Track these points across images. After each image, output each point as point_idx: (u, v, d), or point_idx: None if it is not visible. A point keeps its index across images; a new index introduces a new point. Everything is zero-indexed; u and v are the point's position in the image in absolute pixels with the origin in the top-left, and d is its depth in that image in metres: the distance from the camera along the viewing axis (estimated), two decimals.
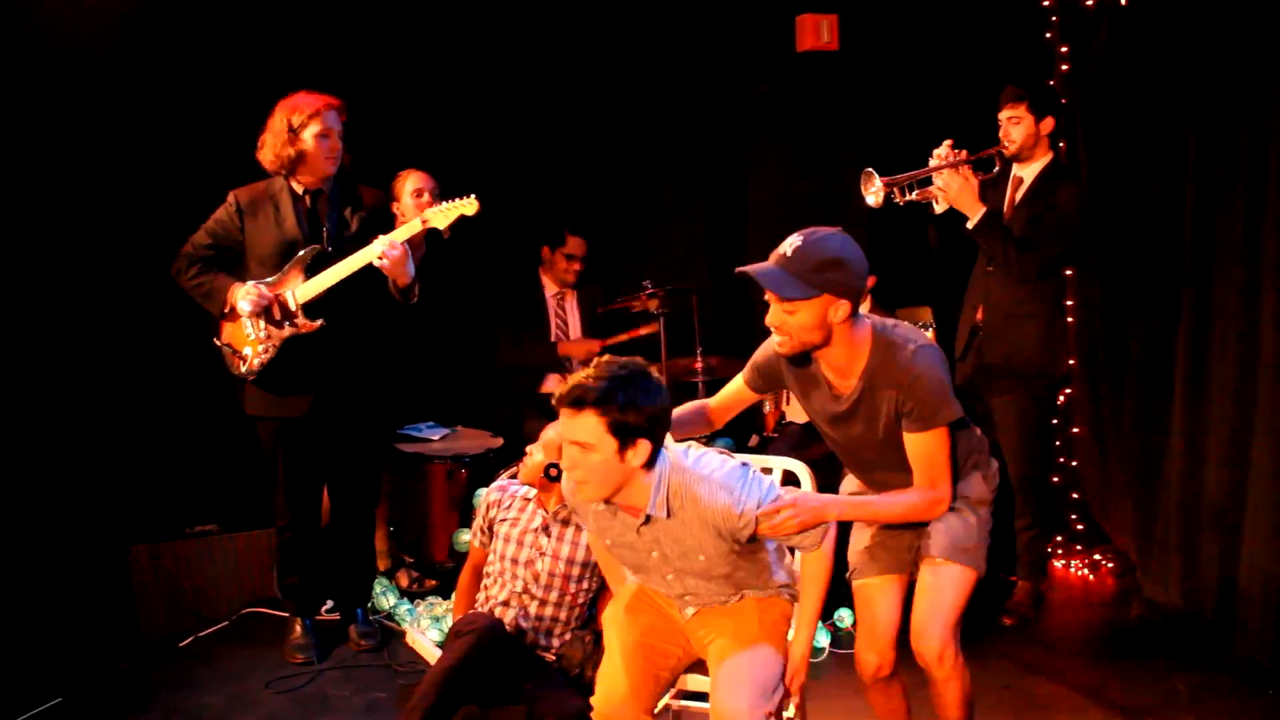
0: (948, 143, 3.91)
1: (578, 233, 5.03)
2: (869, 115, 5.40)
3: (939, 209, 3.94)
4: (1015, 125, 3.94)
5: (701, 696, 3.10)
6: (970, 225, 3.89)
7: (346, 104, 3.76)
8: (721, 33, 5.42)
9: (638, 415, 2.40)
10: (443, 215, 3.73)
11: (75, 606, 4.18)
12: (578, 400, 2.40)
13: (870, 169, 3.79)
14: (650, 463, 2.47)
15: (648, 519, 2.54)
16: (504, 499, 3.53)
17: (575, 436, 2.42)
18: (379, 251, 3.62)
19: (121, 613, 4.24)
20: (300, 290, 3.68)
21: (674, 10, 5.36)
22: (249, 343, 3.72)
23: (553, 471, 3.38)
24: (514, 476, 3.68)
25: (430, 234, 4.05)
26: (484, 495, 3.63)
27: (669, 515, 2.52)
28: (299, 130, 3.65)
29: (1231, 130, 3.76)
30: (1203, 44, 3.85)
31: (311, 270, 3.69)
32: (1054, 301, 4.12)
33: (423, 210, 3.88)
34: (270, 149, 3.70)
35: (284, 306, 3.69)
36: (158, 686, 3.80)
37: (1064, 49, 4.44)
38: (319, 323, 3.70)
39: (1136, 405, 4.29)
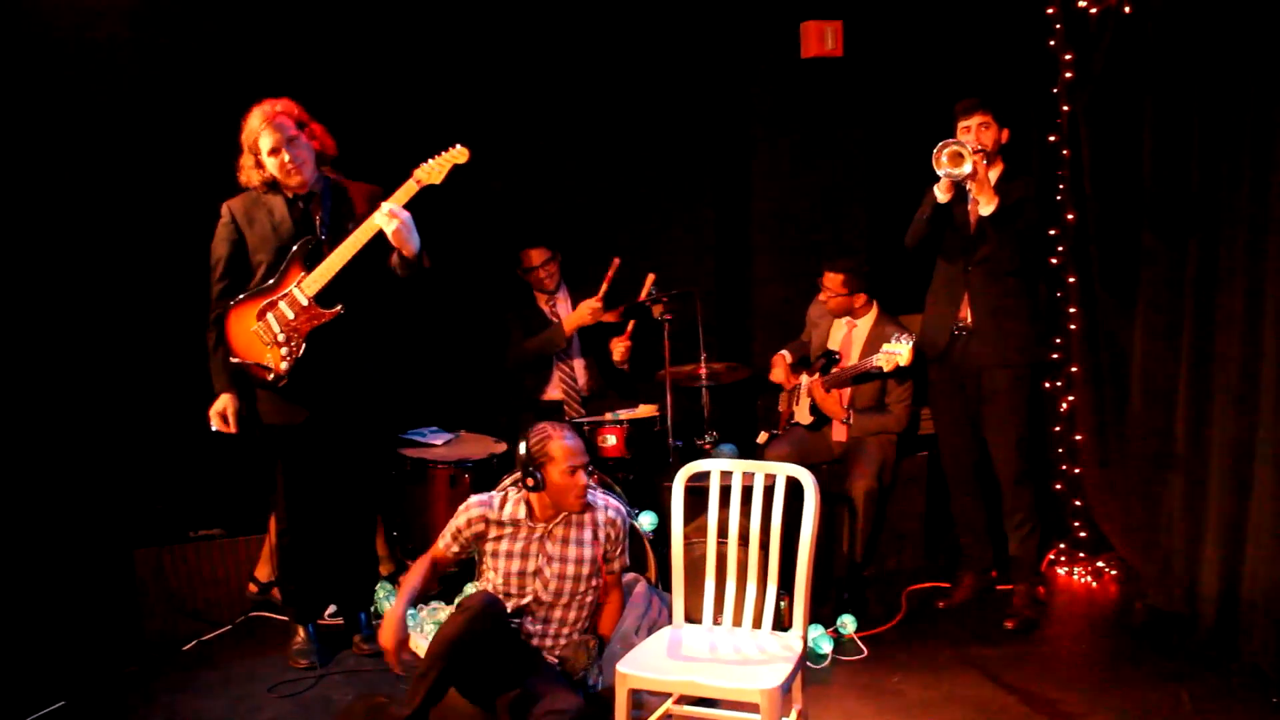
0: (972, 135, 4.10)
1: (534, 244, 4.95)
2: (873, 121, 5.42)
3: (943, 198, 4.06)
4: (986, 131, 4.11)
5: (700, 702, 3.11)
6: (990, 211, 4.03)
7: (337, 103, 3.75)
8: (726, 39, 5.43)
9: None
10: (436, 170, 3.63)
11: (79, 610, 4.19)
12: None
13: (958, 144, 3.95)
14: None
15: None
16: (492, 522, 3.44)
17: None
18: (382, 221, 3.58)
19: (125, 616, 4.26)
20: (306, 283, 3.69)
21: (679, 16, 5.37)
22: (268, 349, 3.70)
23: (529, 481, 3.39)
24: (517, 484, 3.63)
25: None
26: (468, 509, 3.48)
27: None
28: (259, 156, 3.66)
29: (1236, 137, 3.76)
30: (1207, 51, 3.85)
31: (310, 262, 3.70)
32: (1033, 291, 4.30)
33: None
34: (246, 175, 3.72)
35: (295, 304, 3.70)
36: (161, 690, 3.81)
37: (1068, 56, 4.44)
38: (338, 309, 3.69)
39: (1139, 412, 4.29)
